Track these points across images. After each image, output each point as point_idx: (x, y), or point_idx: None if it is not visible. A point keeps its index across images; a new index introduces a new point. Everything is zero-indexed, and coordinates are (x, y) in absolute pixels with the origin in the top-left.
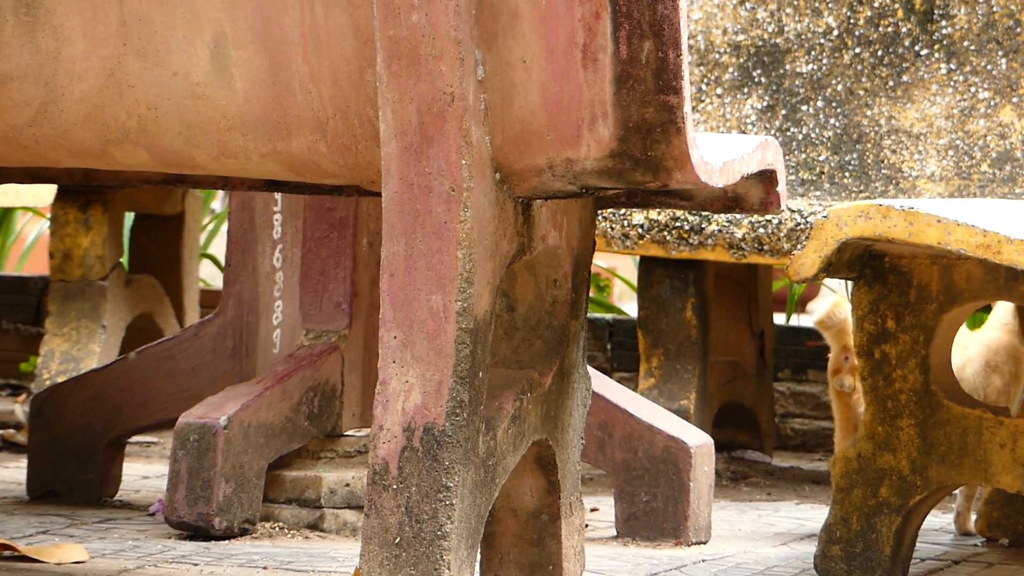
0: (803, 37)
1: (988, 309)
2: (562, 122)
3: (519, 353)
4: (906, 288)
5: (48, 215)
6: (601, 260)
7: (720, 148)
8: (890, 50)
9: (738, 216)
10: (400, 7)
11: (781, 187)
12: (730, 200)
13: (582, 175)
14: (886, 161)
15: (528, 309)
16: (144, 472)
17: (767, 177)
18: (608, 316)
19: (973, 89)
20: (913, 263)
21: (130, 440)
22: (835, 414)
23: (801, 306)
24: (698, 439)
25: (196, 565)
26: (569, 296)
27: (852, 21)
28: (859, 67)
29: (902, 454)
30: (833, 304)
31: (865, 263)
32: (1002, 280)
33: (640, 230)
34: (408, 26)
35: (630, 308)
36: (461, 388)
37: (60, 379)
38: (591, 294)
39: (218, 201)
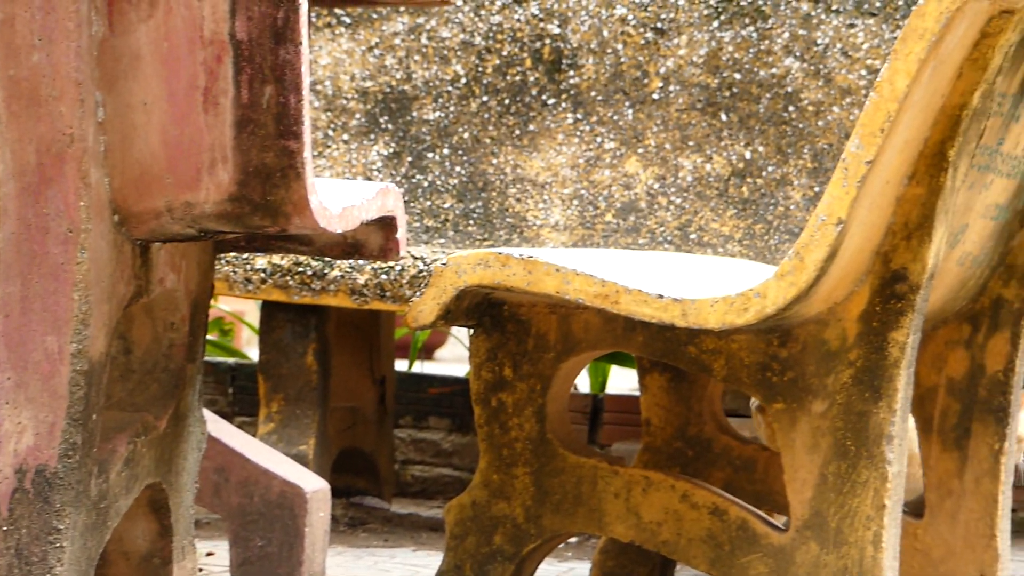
0: (431, 84)
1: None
2: (182, 165)
3: (135, 396)
4: (524, 337)
5: None
6: (227, 304)
7: (340, 194)
8: (517, 99)
9: (361, 262)
10: (21, 47)
11: (400, 233)
12: (350, 246)
13: (201, 218)
14: (511, 209)
15: (145, 352)
16: None
17: (387, 223)
18: (231, 360)
19: (599, 139)
20: (532, 312)
21: None
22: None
23: (425, 353)
24: (314, 484)
25: None
26: (186, 339)
27: (480, 69)
28: (486, 115)
29: (517, 502)
30: None
31: (484, 311)
32: (620, 330)
33: (263, 274)
34: (29, 66)
35: (256, 353)
36: (74, 430)
37: None
38: (215, 338)
39: None
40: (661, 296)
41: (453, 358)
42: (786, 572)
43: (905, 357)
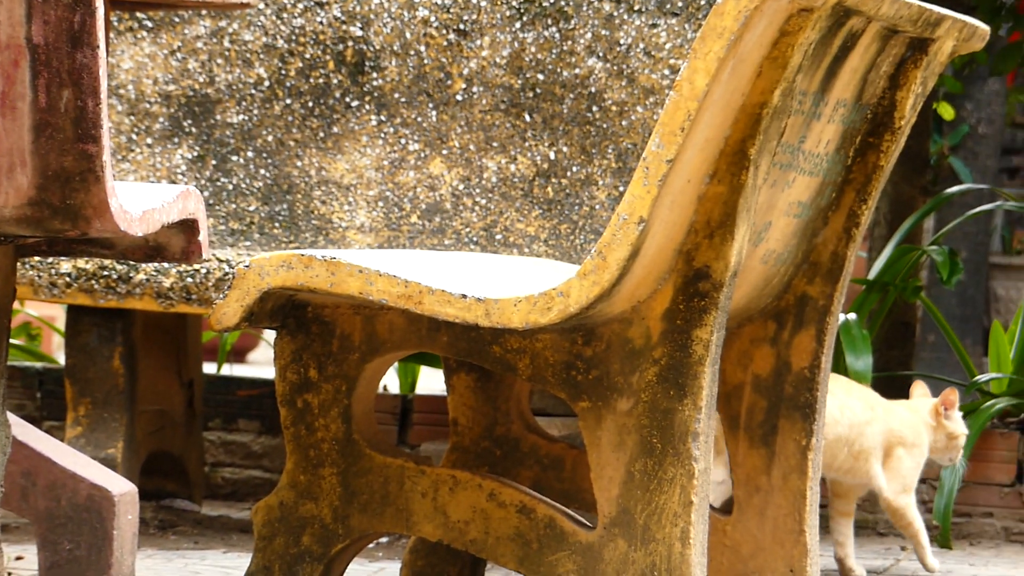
0: (234, 88)
1: None
2: None
3: None
4: (329, 338)
5: None
6: (36, 309)
7: (141, 197)
8: (321, 101)
9: (166, 265)
10: None
11: (202, 236)
12: (152, 249)
13: (0, 223)
14: (316, 212)
15: None
16: None
17: (189, 226)
18: (38, 365)
19: (403, 141)
20: (336, 313)
21: None
22: None
23: (236, 356)
24: (122, 487)
25: None
26: None
27: (283, 72)
28: (290, 118)
29: (324, 503)
30: None
31: (288, 313)
32: (424, 331)
33: (68, 279)
34: None
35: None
36: None
37: None
38: (22, 343)
39: None
40: (464, 296)
41: (265, 360)
42: (594, 570)
43: (709, 355)
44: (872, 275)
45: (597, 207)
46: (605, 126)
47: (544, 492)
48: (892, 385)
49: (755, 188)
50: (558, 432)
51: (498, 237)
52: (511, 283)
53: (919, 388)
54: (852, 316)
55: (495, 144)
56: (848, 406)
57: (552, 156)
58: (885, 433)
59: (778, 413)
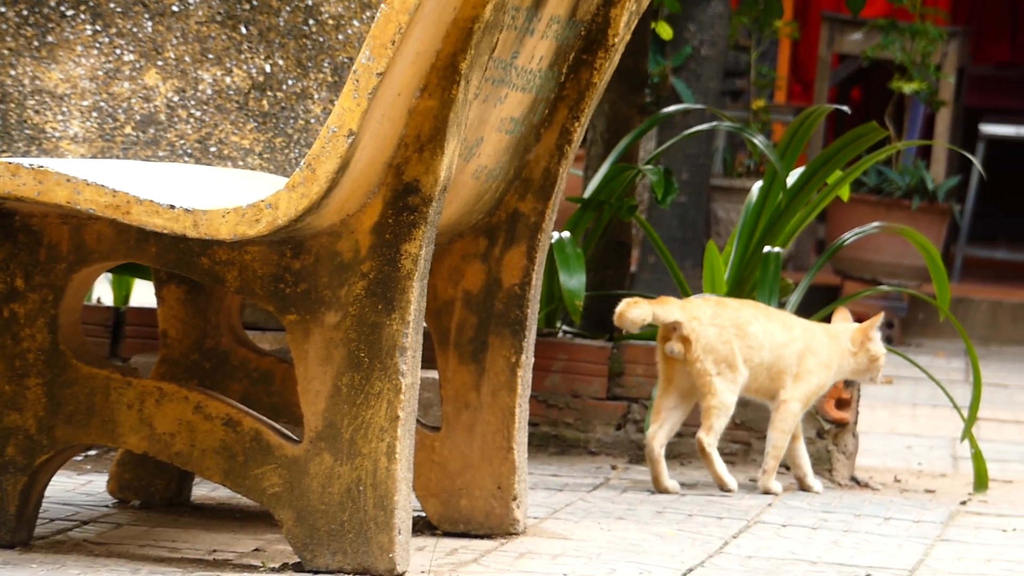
0: None
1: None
2: None
3: None
4: (36, 247)
5: None
6: None
7: None
8: (36, 10)
9: None
10: None
11: None
12: None
13: None
14: (29, 122)
15: None
16: None
17: None
18: None
19: (118, 51)
20: (44, 222)
21: None
22: (659, 374)
23: None
24: None
25: None
26: None
27: None
28: (3, 26)
29: (29, 413)
30: (618, 316)
31: None
32: (133, 241)
33: None
34: None
35: None
36: None
37: None
38: None
39: None
40: (172, 207)
41: None
42: (299, 483)
43: (418, 269)
44: (587, 194)
45: (312, 121)
46: (321, 40)
47: (254, 406)
48: (605, 305)
49: (466, 103)
50: (269, 346)
51: (212, 149)
52: (221, 195)
53: (841, 314)
54: (566, 234)
55: (211, 56)
56: (769, 331)
57: (268, 69)
58: (801, 353)
59: (488, 330)
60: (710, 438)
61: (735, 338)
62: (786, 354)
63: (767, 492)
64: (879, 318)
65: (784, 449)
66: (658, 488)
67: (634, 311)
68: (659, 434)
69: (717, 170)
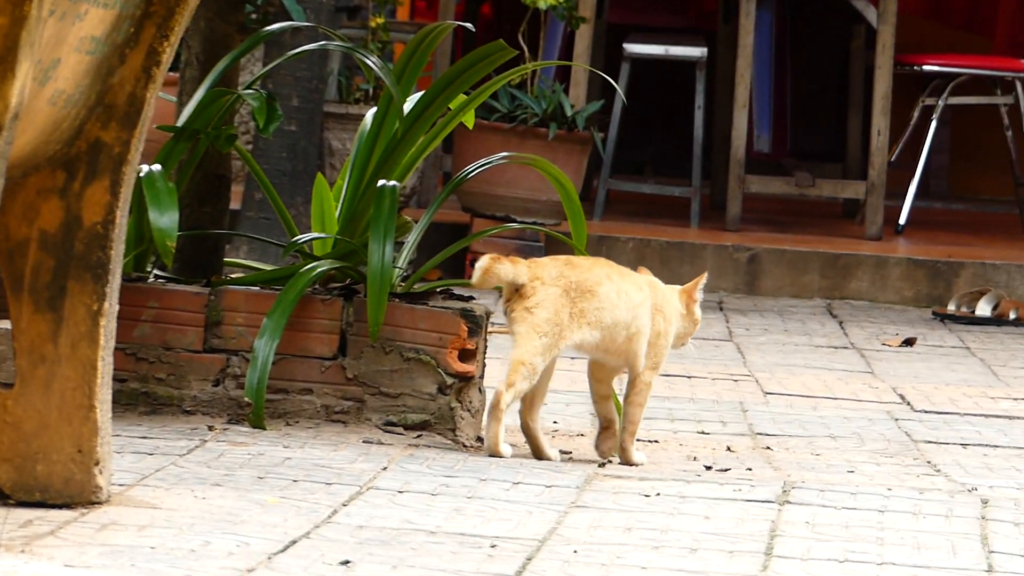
0: None
1: None
2: None
3: None
4: None
5: None
6: None
7: None
8: None
9: None
10: None
11: None
12: None
13: None
14: None
15: None
16: None
17: None
18: None
19: None
20: None
21: None
22: (512, 334)
23: None
24: None
25: None
26: None
27: None
28: None
29: None
30: (483, 271)
31: None
32: None
33: None
34: None
35: None
36: None
37: None
38: None
39: None
40: None
41: None
42: None
43: None
44: (181, 122)
45: None
46: None
47: None
48: (204, 246)
49: (40, 20)
50: None
51: None
52: None
53: (643, 273)
54: (156, 167)
55: None
56: (624, 290)
57: None
58: (652, 310)
59: (67, 274)
60: (508, 395)
61: (578, 300)
62: (641, 313)
63: (630, 464)
64: (703, 278)
65: (639, 423)
66: (539, 457)
67: (500, 267)
68: (532, 410)
69: (332, 95)
